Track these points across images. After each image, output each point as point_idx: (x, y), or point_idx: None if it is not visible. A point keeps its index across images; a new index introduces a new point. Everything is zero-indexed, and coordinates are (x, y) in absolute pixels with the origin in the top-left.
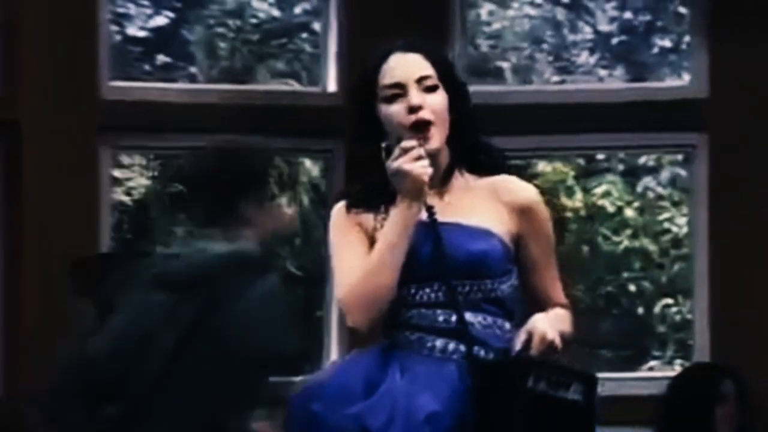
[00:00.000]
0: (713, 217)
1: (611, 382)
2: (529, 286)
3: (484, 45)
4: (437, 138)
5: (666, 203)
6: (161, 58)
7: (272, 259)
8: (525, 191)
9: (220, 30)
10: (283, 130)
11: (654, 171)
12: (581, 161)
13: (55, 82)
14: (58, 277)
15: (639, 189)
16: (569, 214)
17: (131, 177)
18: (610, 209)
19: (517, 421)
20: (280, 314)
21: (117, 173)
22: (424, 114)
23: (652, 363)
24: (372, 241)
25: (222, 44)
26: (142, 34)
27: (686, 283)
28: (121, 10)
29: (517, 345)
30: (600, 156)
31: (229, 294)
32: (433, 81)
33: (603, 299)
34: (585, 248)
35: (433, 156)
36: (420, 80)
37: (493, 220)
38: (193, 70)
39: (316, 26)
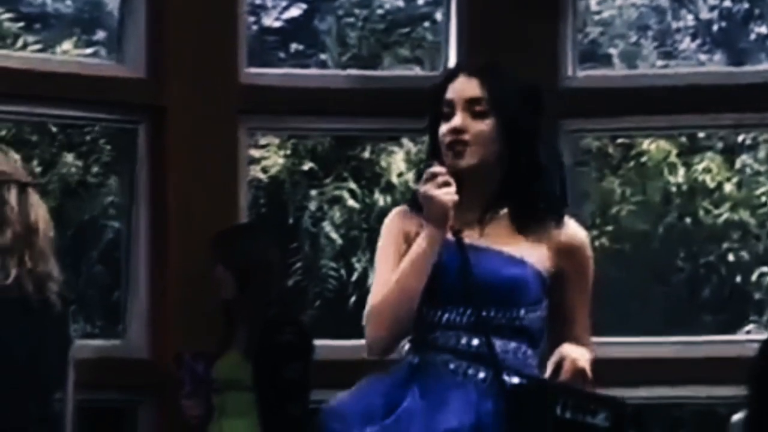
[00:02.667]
0: None
1: (711, 344)
2: (559, 324)
3: (593, 32)
4: (470, 158)
5: (763, 179)
6: (294, 46)
7: None
8: (573, 231)
9: (349, 20)
10: (407, 112)
11: (751, 149)
12: (683, 140)
13: (198, 69)
14: (200, 247)
15: (737, 165)
16: (672, 189)
17: (267, 156)
18: (711, 184)
19: None
20: None
21: (254, 152)
22: (463, 136)
23: (749, 327)
24: None
25: (351, 33)
26: (277, 24)
27: None
28: (258, 2)
29: (548, 369)
30: (701, 135)
31: None
32: (482, 107)
33: (704, 268)
34: (687, 221)
35: (475, 186)
36: (468, 103)
37: (529, 252)
38: (323, 57)
39: (438, 16)
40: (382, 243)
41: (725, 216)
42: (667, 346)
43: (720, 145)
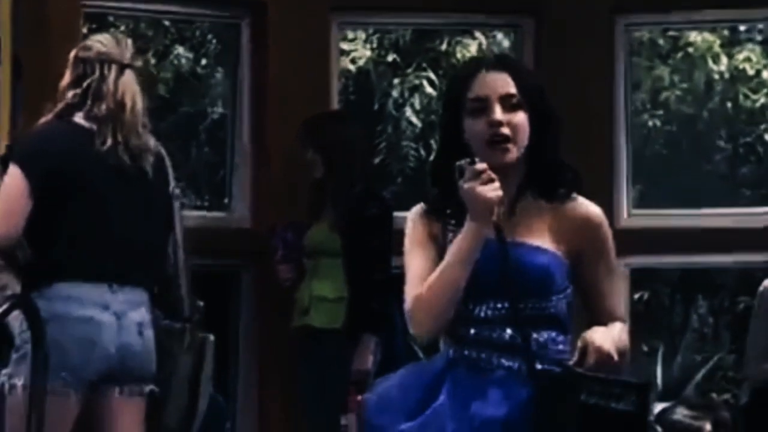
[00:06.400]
0: None
1: (750, 216)
2: (590, 301)
3: None
4: (513, 153)
5: None
6: None
7: None
8: (589, 210)
9: None
10: (480, 8)
11: None
12: (726, 32)
13: None
14: (297, 131)
15: None
16: (716, 77)
17: (355, 48)
18: (750, 72)
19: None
20: None
21: (344, 45)
22: (504, 129)
23: None
24: (441, 251)
25: None
26: None
27: None
28: None
29: (575, 356)
30: (742, 27)
31: None
32: (517, 100)
33: (743, 147)
34: (728, 105)
35: (506, 173)
36: (504, 98)
37: (551, 240)
38: None
39: None
40: (409, 241)
41: (763, 101)
42: (708, 217)
43: (759, 37)
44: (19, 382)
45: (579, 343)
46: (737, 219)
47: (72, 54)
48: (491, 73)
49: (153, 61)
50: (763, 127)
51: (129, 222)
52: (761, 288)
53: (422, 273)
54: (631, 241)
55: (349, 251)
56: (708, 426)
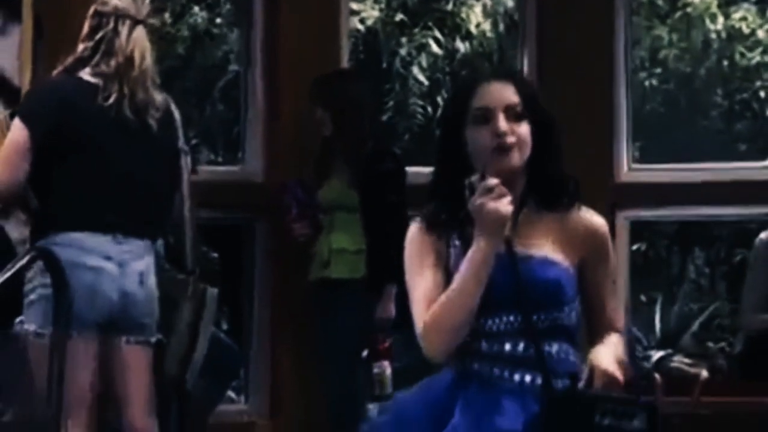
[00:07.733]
0: None
1: (745, 170)
2: (590, 309)
3: None
4: (517, 158)
5: None
6: None
7: None
8: (592, 219)
9: None
10: None
11: None
12: None
13: None
14: (308, 89)
15: None
16: (713, 36)
17: (364, 9)
18: (746, 31)
19: None
20: None
21: (353, 5)
22: (509, 139)
23: None
24: (446, 269)
25: None
26: None
27: None
28: None
29: (582, 380)
30: None
31: None
32: (520, 109)
33: (739, 104)
34: (725, 63)
35: (508, 184)
36: (508, 108)
37: (559, 251)
38: None
39: None
40: (412, 261)
41: (758, 59)
42: (705, 171)
43: None
44: (30, 328)
45: (585, 368)
46: (733, 173)
47: (91, 9)
48: (495, 83)
49: (170, 20)
50: (758, 84)
51: (131, 175)
52: (757, 240)
53: (431, 294)
54: (630, 194)
55: (368, 206)
56: (704, 373)
